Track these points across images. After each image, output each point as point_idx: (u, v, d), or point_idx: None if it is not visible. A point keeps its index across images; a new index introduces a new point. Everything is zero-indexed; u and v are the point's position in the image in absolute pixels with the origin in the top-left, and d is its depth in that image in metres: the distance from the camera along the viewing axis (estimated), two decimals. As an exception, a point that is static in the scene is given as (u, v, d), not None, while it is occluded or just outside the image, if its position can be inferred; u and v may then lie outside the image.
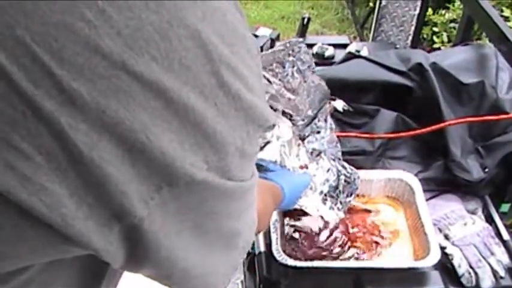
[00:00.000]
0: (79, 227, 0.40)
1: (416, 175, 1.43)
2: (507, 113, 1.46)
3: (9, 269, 0.44)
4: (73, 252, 0.44)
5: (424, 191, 1.38)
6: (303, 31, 2.01)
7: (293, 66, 1.11)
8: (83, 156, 0.38)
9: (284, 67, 1.11)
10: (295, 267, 1.21)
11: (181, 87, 0.41)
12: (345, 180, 1.18)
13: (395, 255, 1.31)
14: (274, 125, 0.53)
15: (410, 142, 1.54)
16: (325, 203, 1.18)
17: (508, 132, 1.48)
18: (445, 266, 1.29)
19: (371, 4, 3.98)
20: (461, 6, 2.33)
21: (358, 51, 1.80)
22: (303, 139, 1.13)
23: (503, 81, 1.55)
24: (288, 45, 1.13)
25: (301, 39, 1.17)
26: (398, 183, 1.41)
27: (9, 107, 0.36)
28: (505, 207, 1.46)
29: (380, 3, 2.51)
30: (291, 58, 1.12)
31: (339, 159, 1.20)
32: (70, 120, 0.37)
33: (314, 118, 1.13)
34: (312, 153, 1.14)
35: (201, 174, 0.44)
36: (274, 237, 1.25)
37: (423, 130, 1.45)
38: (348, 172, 1.20)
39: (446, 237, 1.34)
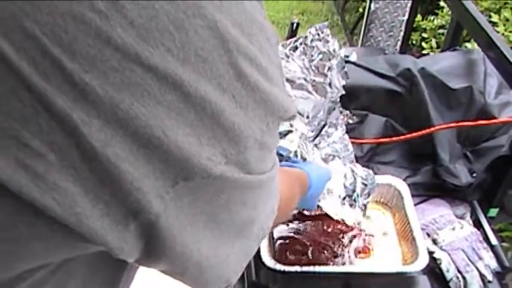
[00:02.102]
0: (93, 226, 0.39)
1: (405, 180, 1.43)
2: (495, 118, 1.47)
3: (24, 268, 0.43)
4: (89, 249, 0.43)
5: (413, 195, 1.38)
6: (292, 37, 2.01)
7: (321, 50, 1.13)
8: (97, 154, 0.37)
9: (312, 50, 1.13)
10: (283, 272, 1.21)
11: (197, 80, 0.39)
12: (362, 183, 1.19)
13: (384, 259, 1.31)
14: (294, 116, 0.51)
15: (398, 147, 1.54)
16: (343, 207, 1.18)
17: (496, 137, 1.49)
18: (434, 270, 1.29)
19: (361, 10, 3.99)
20: (450, 12, 2.34)
21: (347, 57, 1.81)
22: (315, 146, 1.14)
23: (491, 86, 1.55)
24: (313, 31, 1.14)
25: (326, 23, 1.20)
26: (387, 188, 1.41)
27: (19, 103, 0.35)
28: (493, 212, 1.46)
29: (369, 9, 2.52)
30: (317, 43, 1.13)
31: (352, 161, 1.20)
32: (83, 116, 0.36)
33: (323, 127, 1.14)
34: (325, 159, 1.15)
35: (219, 169, 0.43)
36: (263, 242, 1.25)
37: (412, 135, 1.45)
38: (363, 174, 1.20)
39: (435, 241, 1.34)
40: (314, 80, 1.14)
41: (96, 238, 0.40)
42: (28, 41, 0.35)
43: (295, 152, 1.12)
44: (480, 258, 1.30)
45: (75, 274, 0.50)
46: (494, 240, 1.36)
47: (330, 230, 1.34)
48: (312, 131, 1.14)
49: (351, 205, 1.18)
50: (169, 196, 0.41)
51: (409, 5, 2.34)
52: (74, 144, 0.37)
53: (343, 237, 1.33)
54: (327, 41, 1.16)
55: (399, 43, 2.45)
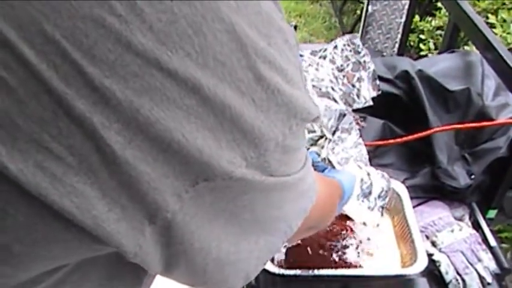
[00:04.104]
0: (109, 229, 0.39)
1: (403, 182, 1.43)
2: (493, 120, 1.47)
3: (43, 270, 0.44)
4: (105, 250, 0.43)
5: (412, 198, 1.38)
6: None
7: (351, 61, 1.14)
8: (116, 156, 0.37)
9: (342, 60, 1.14)
10: (282, 276, 1.21)
11: (216, 84, 0.39)
12: (379, 186, 1.20)
13: (383, 262, 1.31)
14: (319, 118, 0.50)
15: (397, 149, 1.54)
16: (362, 210, 1.19)
17: (494, 138, 1.49)
18: (433, 273, 1.29)
19: (358, 12, 3.99)
20: (447, 14, 2.35)
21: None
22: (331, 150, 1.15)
23: (489, 88, 1.56)
24: (344, 41, 1.16)
25: (357, 35, 1.22)
26: (386, 190, 1.41)
27: (39, 107, 0.35)
28: (491, 214, 1.47)
29: (366, 11, 2.52)
30: (347, 53, 1.14)
31: (366, 164, 1.21)
32: (103, 119, 0.36)
33: (335, 132, 1.15)
34: (341, 163, 1.16)
35: (240, 171, 0.43)
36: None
37: (410, 137, 1.45)
38: (379, 177, 1.21)
39: (434, 244, 1.34)
40: (342, 90, 1.15)
41: (112, 241, 0.40)
42: (48, 44, 0.35)
43: (324, 158, 1.13)
44: (479, 260, 1.30)
45: (91, 278, 0.51)
46: (493, 242, 1.36)
47: (333, 229, 1.34)
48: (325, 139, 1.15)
49: (369, 207, 1.19)
50: (188, 195, 0.41)
51: (407, 7, 2.34)
52: (93, 147, 0.37)
53: (345, 236, 1.33)
54: (358, 52, 1.17)
55: (397, 45, 2.45)
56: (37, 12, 0.35)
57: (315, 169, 1.08)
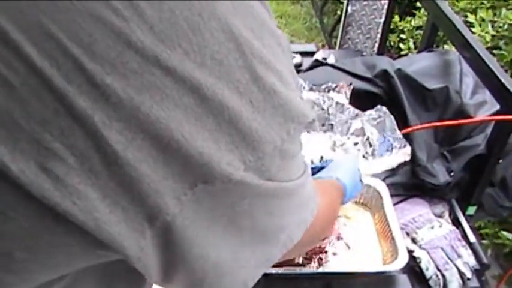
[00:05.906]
0: (112, 231, 0.39)
1: (383, 180, 1.44)
2: (471, 118, 1.48)
3: (43, 280, 0.43)
4: (109, 257, 0.43)
5: (392, 195, 1.39)
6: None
7: None
8: (117, 156, 0.37)
9: None
10: (264, 274, 1.21)
11: (214, 83, 0.39)
12: (369, 144, 1.21)
13: (364, 259, 1.32)
14: (314, 121, 0.50)
15: (377, 148, 1.55)
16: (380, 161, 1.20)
17: (472, 136, 1.50)
18: (413, 269, 1.31)
19: (339, 12, 4.01)
20: (426, 14, 2.36)
21: (325, 59, 1.82)
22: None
23: (467, 86, 1.57)
24: None
25: None
26: (366, 188, 1.41)
27: (41, 105, 0.35)
28: (471, 210, 1.48)
29: (346, 11, 2.53)
30: None
31: (342, 145, 1.22)
32: (104, 118, 0.36)
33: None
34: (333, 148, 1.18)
35: (239, 174, 0.42)
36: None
37: (389, 135, 1.46)
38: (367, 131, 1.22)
39: (414, 240, 1.35)
40: None
41: (115, 244, 0.40)
42: (50, 41, 0.35)
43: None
44: (459, 256, 1.32)
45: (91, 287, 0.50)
46: (472, 238, 1.37)
47: None
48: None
49: (388, 150, 1.19)
50: (187, 198, 0.41)
51: (386, 7, 2.35)
52: (94, 146, 0.37)
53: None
54: None
55: (376, 45, 2.46)
56: (40, 12, 0.35)
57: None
